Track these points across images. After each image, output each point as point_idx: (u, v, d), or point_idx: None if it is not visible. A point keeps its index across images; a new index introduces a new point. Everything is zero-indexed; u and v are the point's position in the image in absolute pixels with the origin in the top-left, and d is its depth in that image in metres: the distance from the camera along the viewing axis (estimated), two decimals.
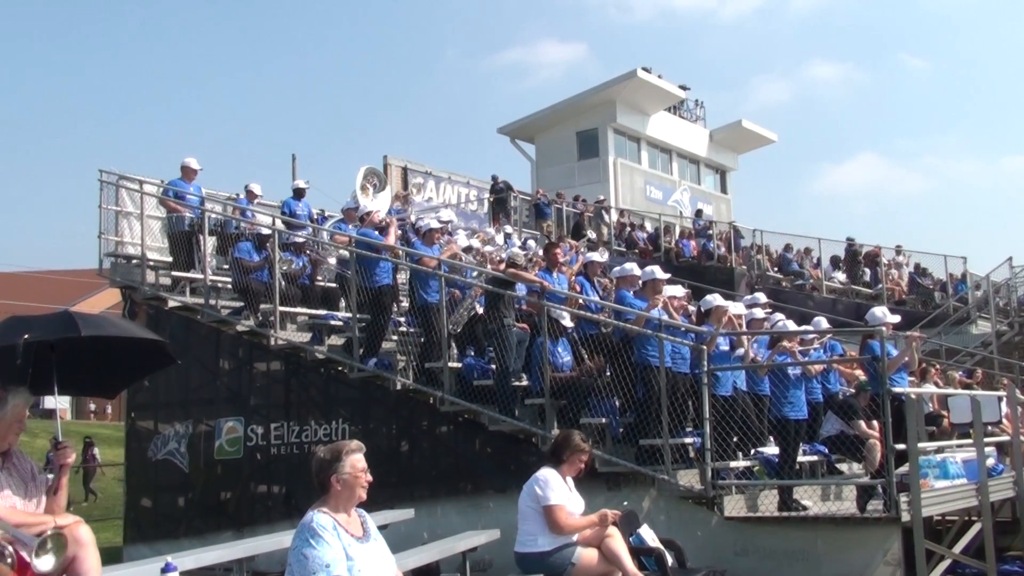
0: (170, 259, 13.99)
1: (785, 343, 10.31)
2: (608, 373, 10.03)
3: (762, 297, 12.28)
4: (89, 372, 6.39)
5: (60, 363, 5.97)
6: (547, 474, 6.95)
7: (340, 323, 12.71)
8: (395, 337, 12.07)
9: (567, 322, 10.50)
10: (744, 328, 10.52)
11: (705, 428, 9.01)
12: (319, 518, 4.55)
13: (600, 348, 10.04)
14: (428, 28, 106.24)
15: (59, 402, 6.23)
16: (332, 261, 13.78)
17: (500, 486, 10.22)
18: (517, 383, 10.67)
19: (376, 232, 12.01)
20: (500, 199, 25.28)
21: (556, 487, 6.88)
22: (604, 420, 10.05)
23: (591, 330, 10.42)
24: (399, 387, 11.36)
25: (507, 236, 18.44)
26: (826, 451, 10.59)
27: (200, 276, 13.34)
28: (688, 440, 9.62)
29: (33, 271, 46.65)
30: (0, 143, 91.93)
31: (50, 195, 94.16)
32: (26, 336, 5.66)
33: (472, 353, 11.57)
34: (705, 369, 9.13)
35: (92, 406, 41.67)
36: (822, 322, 11.87)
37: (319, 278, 13.70)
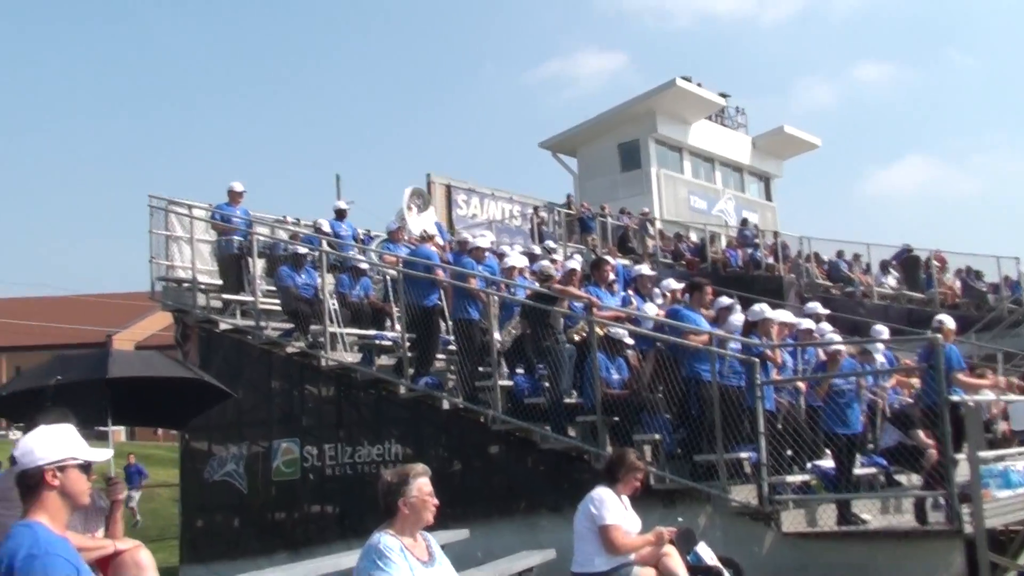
0: (220, 282, 14.17)
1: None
2: (661, 389, 9.97)
3: (819, 307, 12.11)
4: (154, 404, 6.56)
5: (117, 394, 6.12)
6: (602, 493, 6.93)
7: (389, 343, 12.77)
8: (443, 356, 12.07)
9: (627, 339, 10.41)
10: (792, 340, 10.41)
11: (760, 442, 8.90)
12: (386, 540, 4.56)
13: (656, 364, 9.96)
14: (466, 44, 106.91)
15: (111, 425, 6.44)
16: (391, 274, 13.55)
17: (554, 505, 10.16)
18: (568, 400, 10.64)
19: (434, 251, 12.08)
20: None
21: (612, 506, 6.86)
22: (657, 436, 9.98)
23: (644, 346, 10.35)
24: (448, 406, 11.36)
25: (550, 251, 18.41)
26: (885, 463, 10.42)
27: (250, 298, 13.49)
28: (743, 455, 9.51)
29: (84, 295, 47.31)
30: (50, 170, 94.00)
31: (101, 220, 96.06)
32: (58, 378, 5.88)
33: (521, 371, 11.55)
34: (758, 382, 9.02)
35: None
36: (883, 331, 11.61)
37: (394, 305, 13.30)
